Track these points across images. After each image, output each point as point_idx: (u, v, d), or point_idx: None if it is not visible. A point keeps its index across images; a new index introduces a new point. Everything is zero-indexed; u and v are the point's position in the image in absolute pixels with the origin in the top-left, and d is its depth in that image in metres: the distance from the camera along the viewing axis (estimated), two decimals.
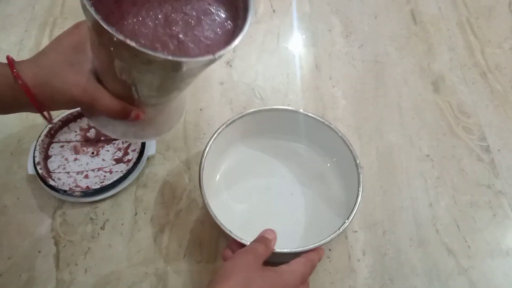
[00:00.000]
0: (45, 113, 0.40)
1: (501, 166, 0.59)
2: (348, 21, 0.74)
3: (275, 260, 0.47)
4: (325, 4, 0.76)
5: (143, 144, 0.56)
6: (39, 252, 0.51)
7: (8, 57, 0.37)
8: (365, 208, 0.55)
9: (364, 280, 0.50)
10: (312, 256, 0.43)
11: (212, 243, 0.52)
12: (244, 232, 0.45)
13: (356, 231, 0.53)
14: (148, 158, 0.57)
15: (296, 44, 0.72)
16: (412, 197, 0.56)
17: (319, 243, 0.44)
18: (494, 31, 0.73)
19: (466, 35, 0.72)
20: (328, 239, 0.44)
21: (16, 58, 0.37)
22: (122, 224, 0.53)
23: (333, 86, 0.66)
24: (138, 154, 0.55)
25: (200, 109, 0.63)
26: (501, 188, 0.57)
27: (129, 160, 0.55)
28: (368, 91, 0.66)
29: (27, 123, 0.61)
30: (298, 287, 0.41)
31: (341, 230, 0.44)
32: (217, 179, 0.54)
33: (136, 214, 0.54)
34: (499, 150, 0.60)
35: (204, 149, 0.49)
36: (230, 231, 0.44)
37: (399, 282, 0.50)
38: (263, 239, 0.43)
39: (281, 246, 0.44)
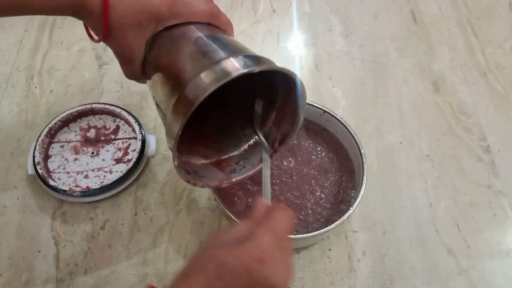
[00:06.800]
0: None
1: (501, 166, 0.59)
2: (348, 21, 0.74)
3: None
4: (325, 4, 0.76)
5: (143, 144, 0.56)
6: (39, 252, 0.51)
7: None
8: (365, 208, 0.54)
9: (364, 280, 0.50)
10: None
11: None
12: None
13: (356, 231, 0.53)
14: (148, 158, 0.57)
15: (296, 44, 0.72)
16: (412, 197, 0.56)
17: (324, 230, 0.44)
18: (495, 31, 0.73)
19: (467, 35, 0.72)
20: (333, 225, 0.44)
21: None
22: (122, 224, 0.53)
23: (333, 86, 0.66)
24: (138, 154, 0.55)
25: None
26: (501, 188, 0.57)
27: (129, 160, 0.55)
28: (368, 91, 0.66)
29: (26, 123, 0.61)
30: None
31: (345, 217, 0.45)
32: None
33: (136, 214, 0.54)
34: (499, 150, 0.60)
35: None
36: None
37: (399, 282, 0.50)
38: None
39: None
